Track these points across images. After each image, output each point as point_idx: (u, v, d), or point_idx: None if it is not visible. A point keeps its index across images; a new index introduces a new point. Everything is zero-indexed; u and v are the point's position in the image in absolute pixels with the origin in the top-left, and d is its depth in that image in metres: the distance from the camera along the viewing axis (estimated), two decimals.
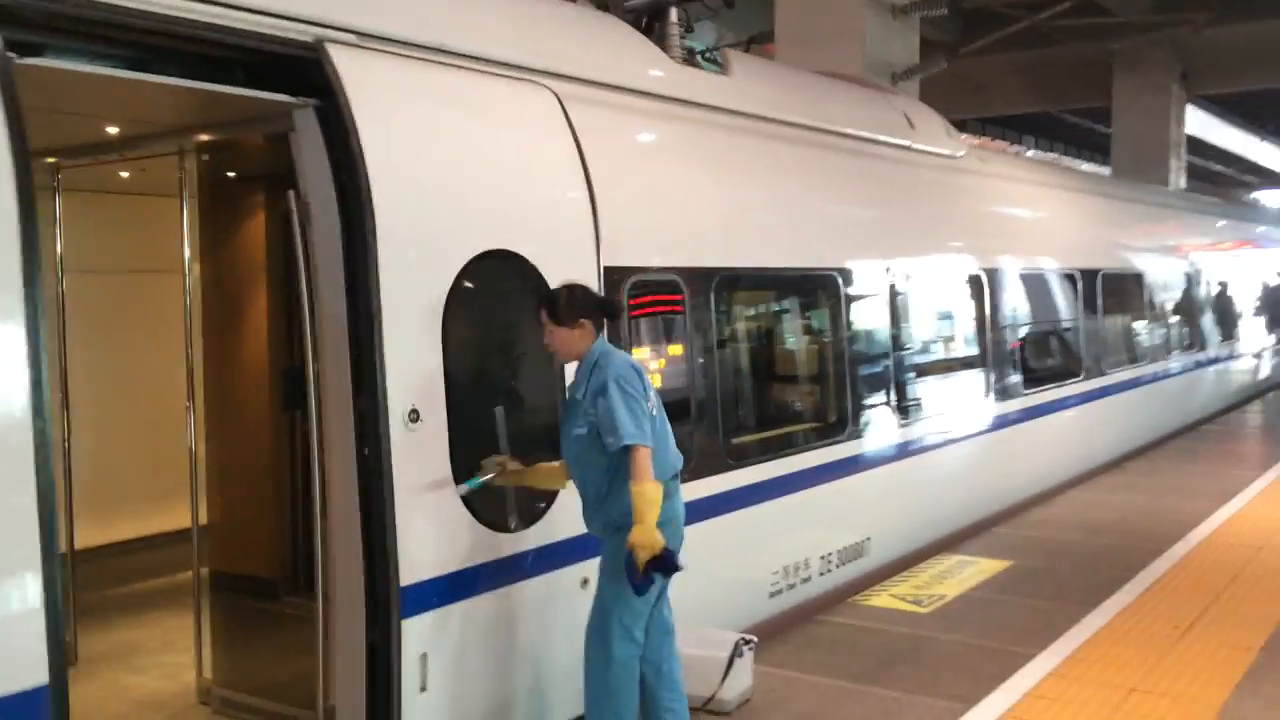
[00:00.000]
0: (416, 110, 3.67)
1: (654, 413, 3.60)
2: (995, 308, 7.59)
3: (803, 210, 5.69)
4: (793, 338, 5.89)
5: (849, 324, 5.93)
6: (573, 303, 3.59)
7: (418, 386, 3.45)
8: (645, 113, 4.83)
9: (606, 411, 3.44)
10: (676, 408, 4.74)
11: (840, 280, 5.85)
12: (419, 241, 3.51)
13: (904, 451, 6.32)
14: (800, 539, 5.46)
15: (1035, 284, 8.36)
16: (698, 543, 4.38)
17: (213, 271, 4.67)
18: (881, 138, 6.75)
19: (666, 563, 3.41)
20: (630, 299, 4.38)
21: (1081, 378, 8.97)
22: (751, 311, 5.54)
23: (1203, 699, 4.11)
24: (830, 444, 5.64)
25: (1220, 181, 45.58)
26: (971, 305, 7.47)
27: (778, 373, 5.74)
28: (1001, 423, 7.61)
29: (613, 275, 4.27)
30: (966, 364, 7.35)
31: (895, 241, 6.55)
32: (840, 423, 5.81)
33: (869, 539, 6.02)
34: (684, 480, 4.50)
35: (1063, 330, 8.81)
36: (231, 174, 4.62)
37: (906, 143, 7.10)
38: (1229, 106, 31.14)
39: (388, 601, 3.34)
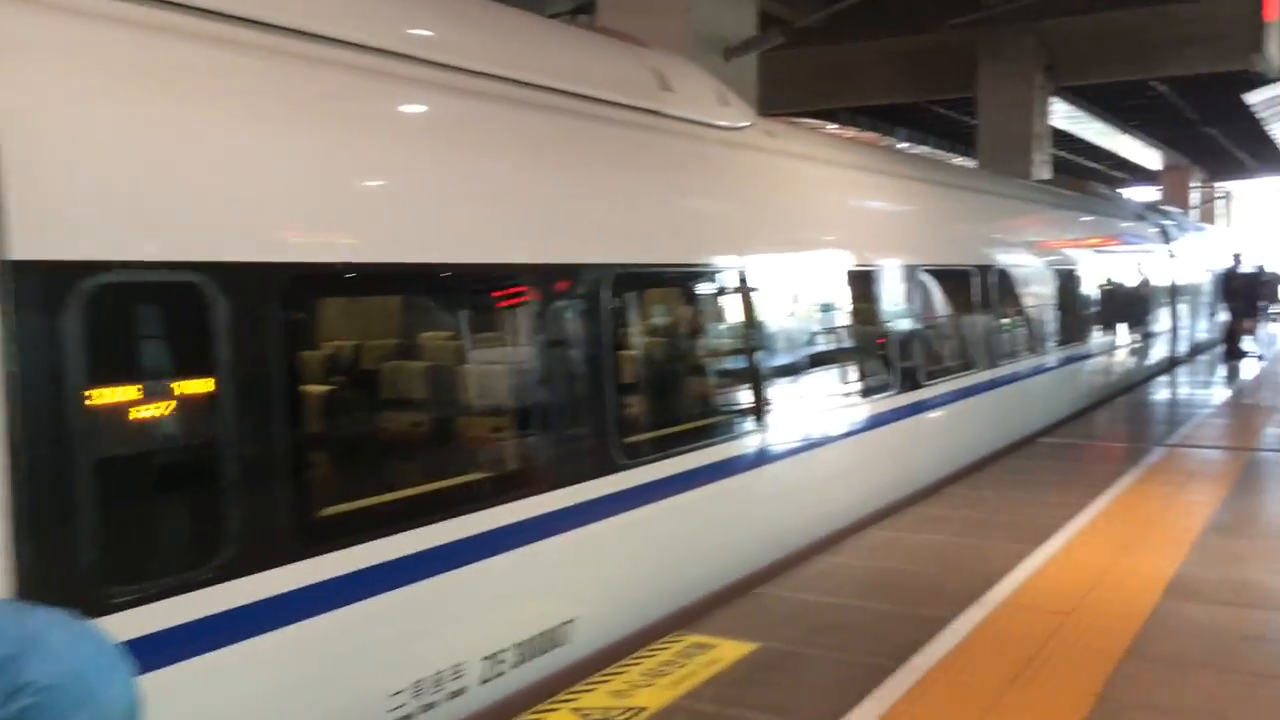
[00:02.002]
0: None
1: None
2: (772, 313, 6.25)
3: (464, 184, 4.20)
4: (434, 362, 4.40)
5: (543, 342, 4.48)
6: None
7: None
8: (151, 27, 3.24)
9: None
10: (199, 475, 3.22)
11: (530, 282, 4.39)
12: None
13: (625, 503, 4.90)
14: (446, 638, 3.99)
15: (828, 284, 7.06)
16: (253, 666, 2.92)
17: None
18: (613, 97, 5.31)
19: None
20: (91, 310, 2.83)
21: (893, 392, 7.73)
22: (360, 327, 4.04)
23: None
24: (493, 504, 4.17)
25: (1090, 177, 46.06)
26: (738, 312, 6.11)
27: (409, 412, 4.25)
28: (776, 454, 6.27)
29: (34, 276, 2.71)
30: (727, 384, 5.99)
31: (622, 232, 5.13)
32: (523, 471, 4.36)
33: (572, 622, 4.58)
34: (224, 577, 3.08)
35: (866, 339, 7.54)
36: None
37: (656, 107, 5.69)
38: (1094, 100, 30.92)
39: None
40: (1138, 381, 14.99)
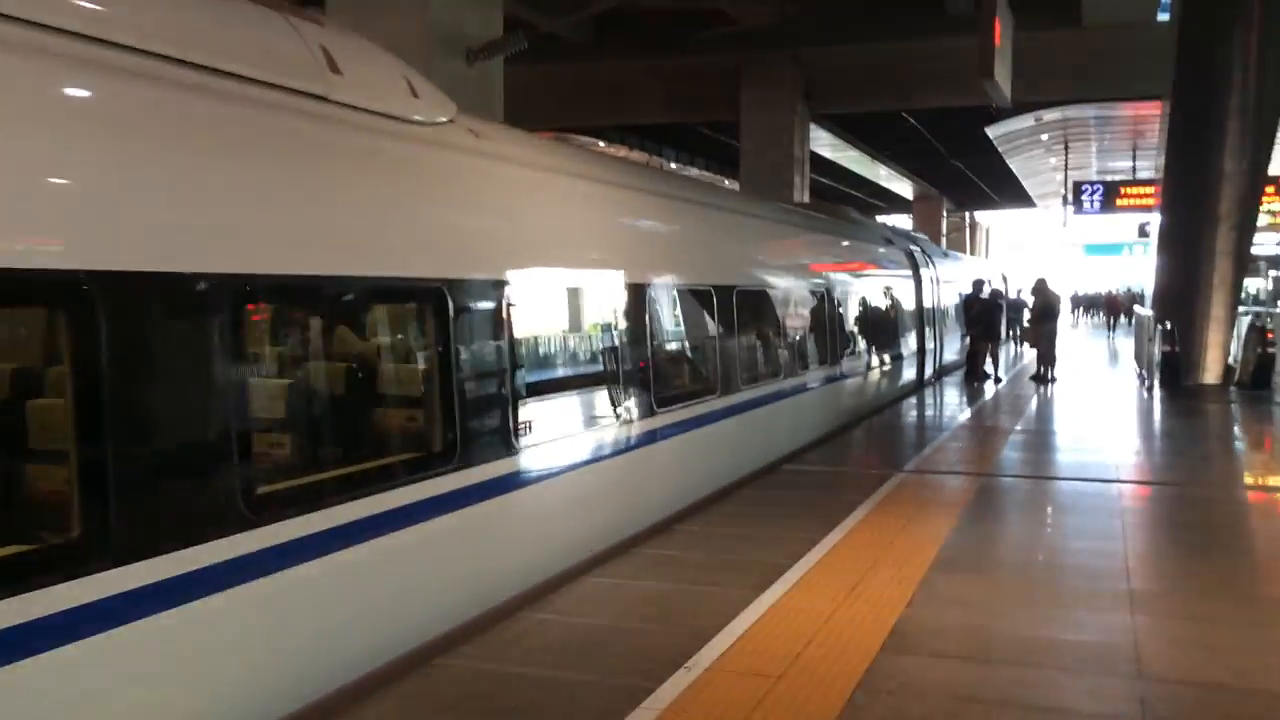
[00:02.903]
0: None
1: None
2: (470, 334, 5.45)
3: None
4: None
5: (123, 370, 3.49)
6: None
7: None
8: None
9: None
10: None
11: (99, 295, 3.39)
12: None
13: (253, 569, 3.96)
14: None
15: (542, 303, 6.36)
16: None
17: None
18: (249, 73, 4.36)
19: None
20: None
21: (617, 421, 7.09)
22: None
23: None
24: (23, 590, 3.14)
25: (851, 204, 48.20)
26: (423, 333, 5.29)
27: None
28: (473, 497, 5.47)
29: None
30: (401, 418, 5.15)
31: (255, 236, 4.20)
32: (74, 544, 3.34)
33: None
34: None
35: (586, 362, 6.89)
36: None
37: (316, 90, 4.78)
38: (852, 129, 32.11)
39: None
40: (886, 404, 15.16)
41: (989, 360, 18.58)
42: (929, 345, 19.01)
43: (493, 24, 13.06)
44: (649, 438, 7.47)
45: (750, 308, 10.09)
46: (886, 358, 15.92)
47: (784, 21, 22.87)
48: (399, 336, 5.34)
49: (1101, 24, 21.30)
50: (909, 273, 18.30)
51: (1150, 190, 26.85)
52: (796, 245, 12.58)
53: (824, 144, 35.09)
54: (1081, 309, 50.13)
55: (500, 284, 5.80)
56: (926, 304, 19.04)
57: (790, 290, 11.30)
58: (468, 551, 5.39)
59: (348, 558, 4.43)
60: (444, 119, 5.88)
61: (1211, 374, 16.92)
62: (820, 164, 38.33)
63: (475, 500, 5.33)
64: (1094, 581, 6.01)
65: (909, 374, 17.71)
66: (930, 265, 20.11)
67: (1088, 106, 27.61)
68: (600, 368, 7.01)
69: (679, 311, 8.46)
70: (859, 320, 14.37)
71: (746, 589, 5.88)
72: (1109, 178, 34.39)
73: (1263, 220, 29.47)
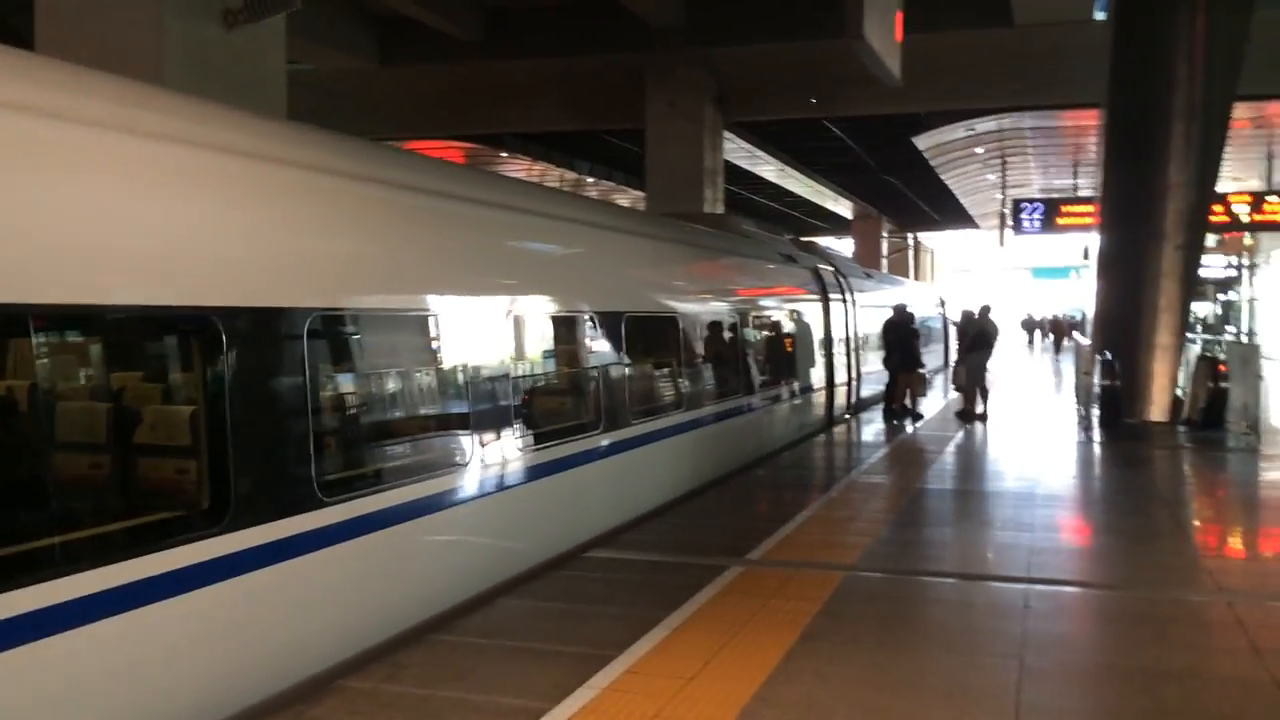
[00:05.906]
0: None
1: None
2: None
3: None
4: None
5: None
6: None
7: None
8: None
9: None
10: None
11: None
12: None
13: None
14: None
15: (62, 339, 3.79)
16: None
17: None
18: None
19: None
20: None
21: (230, 522, 4.50)
22: None
23: None
24: None
25: (788, 225, 46.14)
26: None
27: None
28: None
29: None
30: None
31: None
32: None
33: None
34: None
35: (141, 431, 4.32)
36: None
37: None
38: (775, 141, 29.77)
39: None
40: (779, 449, 12.69)
41: (909, 394, 16.20)
42: (840, 378, 16.59)
43: None
44: (293, 545, 4.86)
45: (548, 339, 7.59)
46: (779, 395, 13.47)
47: (692, 19, 20.56)
48: None
49: (1033, 22, 19.16)
50: (816, 296, 15.91)
51: (1091, 209, 24.78)
52: (632, 261, 10.01)
53: (772, 169, 32.95)
54: (1034, 332, 49.09)
55: None
56: (838, 332, 16.65)
57: (622, 316, 8.78)
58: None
59: None
60: None
61: (1157, 409, 14.72)
62: (760, 184, 36.14)
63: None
64: None
65: (814, 412, 15.28)
66: (845, 288, 17.72)
67: (1024, 116, 25.55)
68: (189, 441, 4.43)
69: (400, 349, 5.92)
70: (736, 352, 11.90)
71: None
72: (1052, 195, 32.41)
73: (1210, 240, 27.61)
